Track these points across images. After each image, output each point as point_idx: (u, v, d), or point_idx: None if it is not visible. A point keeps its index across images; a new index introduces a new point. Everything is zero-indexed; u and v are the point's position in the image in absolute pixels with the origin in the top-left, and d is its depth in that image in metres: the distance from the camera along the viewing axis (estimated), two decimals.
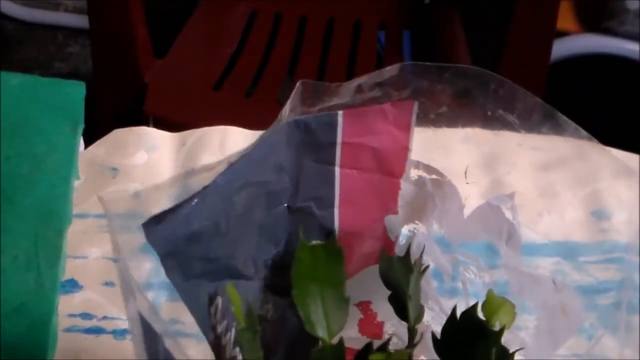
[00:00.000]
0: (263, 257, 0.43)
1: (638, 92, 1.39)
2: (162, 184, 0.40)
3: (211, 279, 0.41)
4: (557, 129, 0.43)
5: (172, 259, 0.39)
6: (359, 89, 0.42)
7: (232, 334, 0.41)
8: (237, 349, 0.41)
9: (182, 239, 0.39)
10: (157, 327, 0.36)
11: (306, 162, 0.43)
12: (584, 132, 0.43)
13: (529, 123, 0.43)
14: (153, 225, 0.38)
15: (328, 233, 0.45)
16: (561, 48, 1.42)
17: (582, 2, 1.47)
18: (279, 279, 0.44)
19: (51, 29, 1.77)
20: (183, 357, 0.35)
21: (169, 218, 0.38)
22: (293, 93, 0.41)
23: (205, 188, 0.39)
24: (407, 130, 0.44)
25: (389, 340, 0.41)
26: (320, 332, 0.39)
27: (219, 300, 0.41)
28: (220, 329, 0.40)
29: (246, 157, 0.41)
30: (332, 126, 0.43)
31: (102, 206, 0.36)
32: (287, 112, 0.42)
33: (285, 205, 0.44)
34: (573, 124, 0.43)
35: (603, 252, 0.55)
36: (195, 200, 0.39)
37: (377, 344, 0.41)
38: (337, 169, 0.44)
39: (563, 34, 1.44)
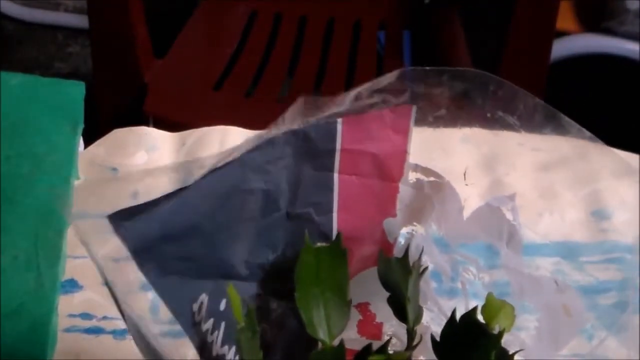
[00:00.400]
0: (259, 261, 0.43)
1: (638, 92, 1.39)
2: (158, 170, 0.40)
3: (195, 277, 0.41)
4: (560, 130, 0.43)
5: (146, 255, 0.39)
6: (358, 96, 0.42)
7: (220, 332, 0.41)
8: (226, 347, 0.41)
9: (157, 236, 0.39)
10: (151, 328, 0.36)
11: (305, 169, 0.43)
12: (587, 133, 0.43)
13: (530, 125, 0.43)
14: (121, 219, 0.38)
15: (327, 238, 0.45)
16: (561, 48, 1.42)
17: (582, 2, 1.47)
18: (277, 283, 0.44)
19: (51, 29, 1.77)
20: (172, 358, 0.35)
21: (142, 215, 0.38)
22: (292, 107, 0.41)
23: (185, 188, 0.39)
24: (405, 134, 0.44)
25: (388, 341, 0.41)
26: (321, 334, 0.39)
27: (204, 298, 0.41)
28: (205, 327, 0.40)
29: (238, 162, 0.41)
30: (332, 134, 0.43)
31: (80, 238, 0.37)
32: (285, 123, 0.42)
33: (284, 211, 0.44)
34: (576, 125, 0.42)
35: (603, 252, 0.55)
36: (174, 199, 0.39)
37: (376, 345, 0.41)
38: (335, 175, 0.44)
39: (563, 34, 1.44)
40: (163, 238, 0.39)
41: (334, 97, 0.42)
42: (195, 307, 0.40)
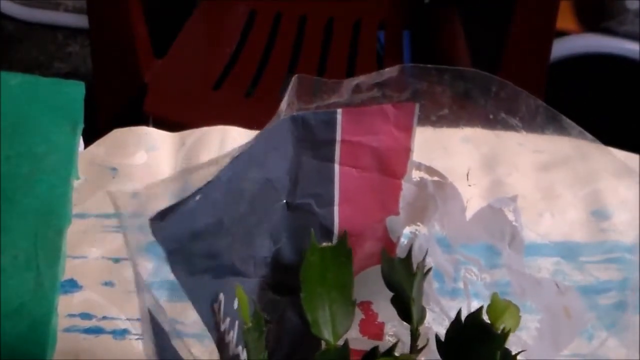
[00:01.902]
0: (262, 255, 0.43)
1: (638, 92, 1.39)
2: (162, 182, 0.40)
3: (215, 276, 0.41)
4: (561, 132, 0.43)
5: (178, 255, 0.39)
6: (357, 89, 0.42)
7: (235, 332, 0.41)
8: (240, 348, 0.40)
9: (187, 235, 0.39)
10: (165, 326, 0.36)
11: (305, 158, 0.43)
12: (589, 136, 0.43)
13: (532, 126, 0.43)
14: (159, 221, 0.38)
15: (328, 232, 0.44)
16: (561, 48, 1.42)
17: (582, 2, 1.47)
18: (279, 277, 0.43)
19: (51, 28, 1.77)
20: (189, 357, 0.35)
21: (173, 214, 0.38)
22: (289, 88, 0.41)
23: (208, 183, 0.39)
24: (408, 131, 0.44)
25: (395, 344, 0.41)
26: (326, 334, 0.39)
27: (222, 298, 0.41)
28: (223, 326, 0.40)
29: (247, 153, 0.41)
30: (332, 123, 0.43)
31: (112, 203, 0.36)
32: (284, 107, 0.42)
33: (284, 201, 0.43)
34: (577, 127, 0.42)
35: (603, 252, 0.55)
36: (199, 196, 0.39)
37: (382, 346, 0.41)
38: (336, 166, 0.44)
39: (563, 34, 1.43)
40: (191, 236, 0.39)
41: (331, 81, 0.42)
42: (216, 307, 0.40)
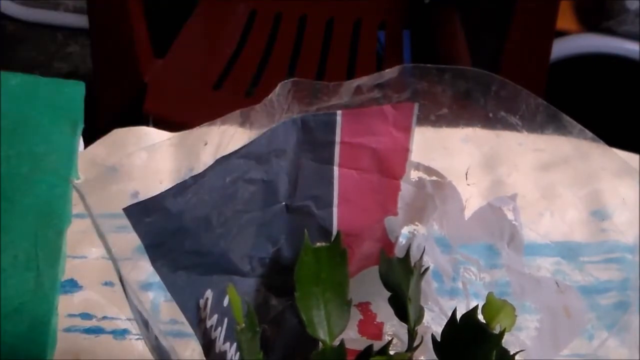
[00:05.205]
0: (260, 255, 0.43)
1: (638, 92, 1.39)
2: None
3: (202, 273, 0.41)
4: (562, 131, 0.43)
5: (158, 249, 0.39)
6: (358, 90, 0.42)
7: (223, 329, 0.41)
8: (227, 344, 0.40)
9: (170, 230, 0.39)
10: (156, 327, 0.36)
11: (304, 160, 0.43)
12: (589, 134, 0.43)
13: (532, 125, 0.43)
14: (137, 212, 0.38)
15: (327, 233, 0.44)
16: (561, 48, 1.42)
17: (582, 2, 1.47)
18: (278, 278, 0.43)
19: (51, 28, 1.77)
20: (177, 358, 0.35)
21: (155, 208, 0.38)
22: (280, 89, 0.41)
23: (194, 179, 0.39)
24: (407, 131, 0.44)
25: (389, 342, 0.41)
26: (322, 334, 0.39)
27: (210, 294, 0.41)
28: (210, 323, 0.40)
29: (240, 153, 0.41)
30: (331, 125, 0.43)
31: (78, 194, 0.36)
32: (283, 111, 0.42)
33: (284, 204, 0.44)
34: (578, 125, 0.42)
35: (604, 252, 0.55)
36: (184, 191, 0.39)
37: (377, 345, 0.41)
38: (335, 169, 0.44)
39: (563, 34, 1.43)
40: (176, 232, 0.39)
41: (331, 84, 0.42)
42: (202, 303, 0.40)
